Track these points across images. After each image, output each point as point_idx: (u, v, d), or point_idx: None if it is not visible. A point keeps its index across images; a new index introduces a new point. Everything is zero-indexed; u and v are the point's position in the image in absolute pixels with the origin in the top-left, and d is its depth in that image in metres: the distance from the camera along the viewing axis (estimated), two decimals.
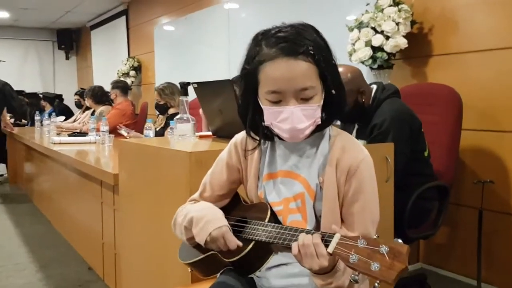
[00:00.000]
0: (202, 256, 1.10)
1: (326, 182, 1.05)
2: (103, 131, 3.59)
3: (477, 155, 2.75)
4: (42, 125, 5.72)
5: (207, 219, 1.07)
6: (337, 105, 1.07)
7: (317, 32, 1.05)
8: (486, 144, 2.71)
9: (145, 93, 6.82)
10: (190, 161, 1.41)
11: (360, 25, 3.08)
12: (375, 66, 3.03)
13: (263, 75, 1.02)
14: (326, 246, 0.86)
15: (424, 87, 2.74)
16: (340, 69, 2.34)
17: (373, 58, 3.01)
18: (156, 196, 1.67)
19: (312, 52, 0.99)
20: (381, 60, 2.99)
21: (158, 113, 4.01)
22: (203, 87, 1.88)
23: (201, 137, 1.96)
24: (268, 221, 1.03)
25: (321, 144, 1.09)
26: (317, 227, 1.05)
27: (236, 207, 1.17)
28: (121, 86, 5.03)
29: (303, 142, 1.09)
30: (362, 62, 3.05)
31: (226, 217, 1.09)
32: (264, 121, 1.05)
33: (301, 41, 0.99)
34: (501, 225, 2.64)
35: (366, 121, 2.30)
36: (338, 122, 2.33)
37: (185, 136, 1.82)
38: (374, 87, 2.37)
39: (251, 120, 1.08)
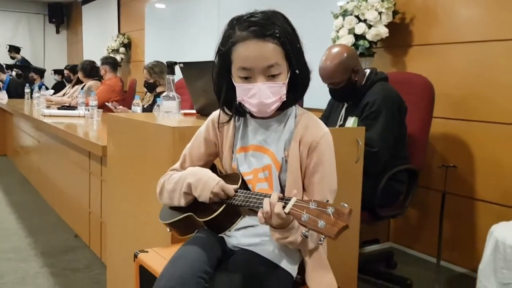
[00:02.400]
0: (180, 217, 1.24)
1: (290, 156, 1.19)
2: (92, 106, 3.69)
3: (447, 141, 2.92)
4: (31, 97, 5.78)
5: (203, 180, 1.19)
6: (301, 85, 1.20)
7: (285, 19, 1.19)
8: (456, 131, 2.87)
9: (134, 70, 6.88)
10: (173, 136, 1.54)
11: (344, 13, 3.20)
12: (357, 53, 3.17)
13: (235, 54, 1.15)
14: (284, 207, 1.00)
15: (400, 75, 2.88)
16: (337, 48, 2.50)
17: (355, 45, 3.14)
18: (141, 167, 1.81)
19: (278, 35, 1.12)
20: (363, 48, 3.12)
21: (146, 90, 4.10)
22: (188, 67, 2.00)
23: (185, 114, 2.09)
24: (239, 188, 1.17)
25: (287, 121, 1.23)
26: (282, 194, 1.18)
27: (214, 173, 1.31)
28: (111, 62, 5.10)
29: (272, 119, 1.22)
30: None
31: None
32: (236, 98, 1.18)
33: (269, 25, 1.12)
34: (463, 208, 2.83)
35: (357, 99, 2.44)
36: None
37: (170, 113, 1.95)
38: (368, 70, 2.52)
39: (225, 97, 1.21)
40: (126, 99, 5.19)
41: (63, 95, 6.09)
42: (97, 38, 7.99)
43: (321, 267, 1.21)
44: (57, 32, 9.55)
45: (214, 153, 1.33)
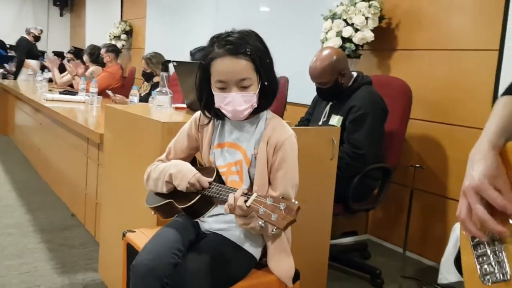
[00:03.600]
0: (162, 202, 1.45)
1: (259, 154, 1.39)
2: (92, 93, 3.87)
3: (424, 142, 3.11)
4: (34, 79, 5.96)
5: (183, 172, 1.39)
6: (270, 94, 1.40)
7: (258, 37, 1.38)
8: (433, 133, 3.06)
9: (134, 57, 7.04)
10: (163, 130, 1.73)
11: (333, 16, 3.37)
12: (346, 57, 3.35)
13: (213, 68, 1.35)
14: (246, 201, 1.20)
15: (381, 78, 3.06)
16: (328, 51, 2.68)
17: (342, 47, 3.32)
18: (133, 155, 2.00)
19: (249, 53, 1.32)
20: (349, 50, 3.30)
21: (144, 80, 4.29)
22: (181, 66, 2.19)
23: (176, 108, 2.28)
24: (213, 181, 1.37)
25: (258, 124, 1.43)
26: (251, 186, 1.39)
27: (194, 166, 1.51)
28: (115, 50, 5.28)
29: (245, 121, 1.42)
30: None
31: None
32: (215, 104, 1.38)
33: (243, 44, 1.32)
34: (434, 205, 3.03)
35: (342, 99, 2.63)
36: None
37: (162, 106, 2.14)
38: (355, 73, 2.70)
39: (205, 102, 1.41)
40: (125, 85, 5.37)
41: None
42: (100, 23, 8.14)
43: (281, 251, 1.42)
44: (61, 15, 9.68)
45: (195, 147, 1.53)
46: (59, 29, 9.64)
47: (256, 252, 1.42)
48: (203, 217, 1.41)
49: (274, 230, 1.15)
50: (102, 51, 5.22)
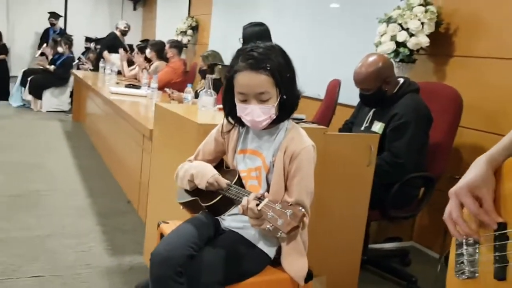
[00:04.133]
0: (189, 199, 1.57)
1: (277, 161, 1.47)
2: (153, 88, 4.10)
3: (474, 152, 3.03)
4: (104, 71, 6.36)
5: (203, 172, 1.51)
6: (289, 107, 1.48)
7: (282, 52, 1.45)
8: (485, 143, 2.97)
9: (199, 52, 7.27)
10: (199, 131, 1.86)
11: (389, 20, 3.35)
12: (397, 59, 3.32)
13: (236, 80, 1.44)
14: (258, 205, 1.29)
15: (431, 85, 2.99)
16: (374, 57, 2.70)
17: (396, 52, 3.29)
18: (175, 152, 2.15)
19: (269, 68, 1.39)
20: (403, 55, 3.27)
21: (201, 77, 4.47)
22: (225, 68, 2.30)
23: (220, 109, 2.40)
24: (234, 183, 1.48)
25: (279, 133, 1.51)
26: (268, 191, 1.48)
27: (220, 169, 1.62)
28: (179, 46, 5.53)
29: (266, 130, 1.50)
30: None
31: None
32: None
33: (264, 60, 1.40)
34: None
35: (385, 106, 2.63)
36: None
37: (206, 107, 2.27)
38: (402, 80, 2.69)
39: (229, 110, 1.51)
40: (187, 80, 5.59)
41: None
42: (169, 18, 8.47)
43: (295, 252, 1.50)
44: (134, 9, 10.17)
45: (222, 150, 1.63)
46: (132, 23, 10.07)
47: (269, 251, 1.51)
48: (223, 215, 1.51)
49: (280, 233, 1.23)
50: (166, 46, 5.46)
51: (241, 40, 3.48)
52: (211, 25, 6.84)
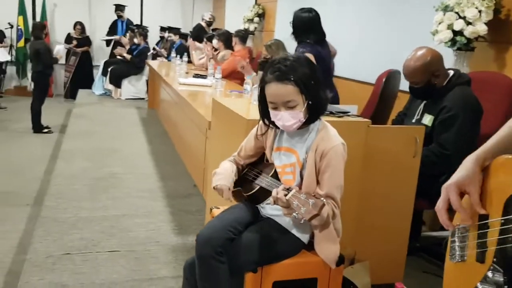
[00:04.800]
0: (234, 189, 1.79)
1: (309, 159, 1.64)
2: (217, 78, 4.36)
3: None
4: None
5: (220, 176, 1.76)
6: (316, 110, 1.64)
7: (307, 63, 1.62)
8: None
9: (265, 39, 7.45)
10: (247, 125, 2.06)
11: (445, 8, 3.33)
12: (455, 48, 3.31)
13: (266, 91, 1.63)
14: (286, 195, 1.47)
15: (484, 74, 2.97)
16: (423, 51, 2.78)
17: (453, 41, 3.27)
18: (227, 144, 2.38)
19: (292, 79, 1.56)
20: (460, 43, 3.25)
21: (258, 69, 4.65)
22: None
23: None
24: (271, 176, 1.67)
25: (310, 134, 1.67)
26: (300, 184, 1.66)
27: (261, 162, 1.83)
28: (241, 35, 5.72)
29: (299, 131, 1.67)
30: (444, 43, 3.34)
31: (251, 169, 1.77)
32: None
33: (289, 72, 1.57)
34: None
35: (435, 99, 2.68)
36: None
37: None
38: (452, 72, 2.72)
39: (264, 114, 1.70)
40: (252, 66, 5.80)
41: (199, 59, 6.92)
42: (238, 6, 8.70)
43: (327, 239, 1.67)
44: None
45: (262, 147, 1.83)
46: (203, 11, 10.48)
47: (303, 237, 1.69)
48: (262, 204, 1.72)
49: (302, 220, 1.41)
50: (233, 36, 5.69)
51: (291, 24, 3.60)
52: (277, 11, 6.98)
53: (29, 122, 6.22)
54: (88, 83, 8.91)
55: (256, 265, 1.63)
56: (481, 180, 1.10)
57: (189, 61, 6.78)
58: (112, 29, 9.31)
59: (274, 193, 1.51)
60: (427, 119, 2.70)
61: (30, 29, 8.73)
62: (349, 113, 2.38)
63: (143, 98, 8.25)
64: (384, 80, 3.51)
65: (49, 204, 3.44)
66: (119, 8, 9.16)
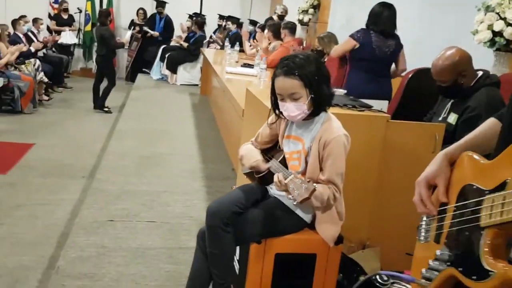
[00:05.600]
0: (247, 171, 1.99)
1: (313, 147, 1.81)
2: (262, 68, 4.55)
3: None
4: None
5: (249, 157, 1.97)
6: (319, 103, 1.80)
7: (314, 60, 1.78)
8: None
9: (319, 31, 7.53)
10: (268, 114, 2.25)
11: (487, 8, 3.33)
12: (494, 48, 3.31)
13: (275, 84, 1.80)
14: (286, 179, 1.65)
15: None
16: (452, 51, 2.87)
17: (492, 41, 3.28)
18: (256, 130, 2.58)
19: (297, 74, 1.73)
20: (499, 44, 3.25)
21: None
22: None
23: None
24: (279, 161, 1.86)
25: (316, 125, 1.84)
26: (305, 170, 1.83)
27: (274, 148, 2.02)
28: (290, 27, 5.86)
29: (305, 121, 1.84)
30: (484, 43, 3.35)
31: (265, 154, 1.98)
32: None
33: (295, 68, 1.73)
34: None
35: (461, 98, 2.76)
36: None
37: None
38: (480, 73, 2.77)
39: (274, 105, 1.88)
40: None
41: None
42: None
43: (328, 219, 1.84)
44: None
45: (276, 134, 2.01)
46: (261, 3, 10.67)
47: (305, 217, 1.88)
48: (271, 185, 1.91)
49: (295, 202, 1.60)
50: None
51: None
52: (331, 3, 7.04)
53: (91, 102, 6.73)
54: (148, 67, 9.36)
55: (260, 237, 1.83)
56: (448, 173, 1.23)
57: (241, 50, 7.02)
58: (150, 22, 9.42)
59: (275, 177, 1.71)
60: (452, 118, 2.76)
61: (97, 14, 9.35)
62: (372, 108, 2.51)
63: (196, 85, 8.60)
64: (409, 77, 3.58)
65: (99, 177, 3.80)
66: (161, 4, 9.34)
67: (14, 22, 7.23)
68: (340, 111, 2.47)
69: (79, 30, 9.44)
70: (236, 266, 2.09)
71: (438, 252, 1.15)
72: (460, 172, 1.21)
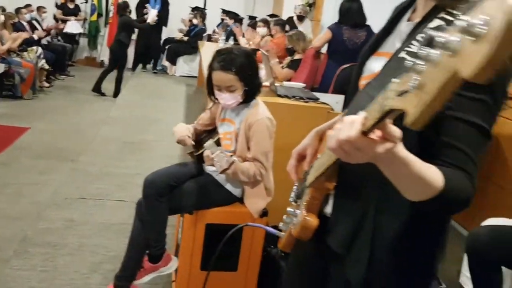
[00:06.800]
0: (188, 151, 2.21)
1: (241, 129, 2.02)
2: None
3: None
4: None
5: (178, 132, 2.17)
6: (251, 93, 2.01)
7: (248, 56, 1.98)
8: None
9: (314, 28, 7.69)
10: None
11: None
12: None
13: (213, 76, 2.00)
14: (213, 153, 1.86)
15: None
16: None
17: None
18: None
19: (234, 70, 1.92)
20: None
21: (288, 54, 4.98)
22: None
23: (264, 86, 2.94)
24: (215, 142, 2.07)
25: (245, 109, 2.05)
26: (236, 147, 2.04)
27: (214, 131, 2.23)
28: (281, 24, 6.05)
29: (239, 107, 2.05)
30: None
31: (206, 135, 2.19)
32: None
33: (231, 63, 1.93)
34: None
35: None
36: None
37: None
38: None
39: (211, 92, 2.07)
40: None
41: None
42: None
43: (255, 194, 2.06)
44: None
45: (214, 117, 2.22)
46: None
47: (235, 191, 2.10)
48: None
49: (217, 173, 1.82)
50: (271, 24, 6.04)
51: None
52: (324, 1, 7.19)
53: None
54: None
55: (193, 208, 2.05)
56: (316, 146, 1.42)
57: (236, 44, 7.19)
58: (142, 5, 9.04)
59: (205, 153, 1.93)
60: None
61: (103, 4, 9.59)
62: (318, 100, 2.69)
63: (195, 76, 8.82)
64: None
65: (84, 160, 4.04)
66: None
67: (18, 10, 7.51)
68: (287, 102, 2.67)
69: (85, 19, 9.71)
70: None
71: (289, 209, 1.35)
72: (322, 146, 1.41)
